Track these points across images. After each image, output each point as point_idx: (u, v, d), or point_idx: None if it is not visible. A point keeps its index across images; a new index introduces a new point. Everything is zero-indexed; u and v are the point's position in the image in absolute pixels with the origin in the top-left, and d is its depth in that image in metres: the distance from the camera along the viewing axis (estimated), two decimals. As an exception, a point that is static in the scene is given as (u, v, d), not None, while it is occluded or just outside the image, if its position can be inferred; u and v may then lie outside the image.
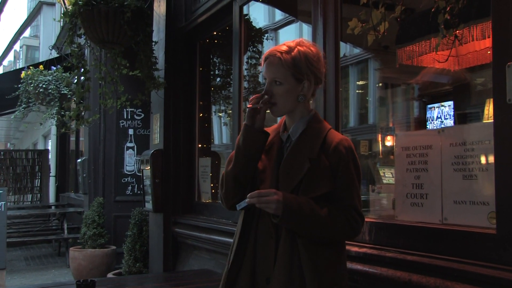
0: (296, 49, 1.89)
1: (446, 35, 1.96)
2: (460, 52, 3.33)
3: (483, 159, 2.10)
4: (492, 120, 1.93)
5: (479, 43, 3.09)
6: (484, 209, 2.06)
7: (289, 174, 1.88)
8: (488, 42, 3.10)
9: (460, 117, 4.73)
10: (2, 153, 12.24)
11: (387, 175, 4.06)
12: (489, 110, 3.49)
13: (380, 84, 6.89)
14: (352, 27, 2.33)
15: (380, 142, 5.35)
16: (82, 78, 4.43)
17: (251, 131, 1.91)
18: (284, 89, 1.89)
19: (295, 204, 1.78)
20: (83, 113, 4.58)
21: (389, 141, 5.00)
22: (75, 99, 4.56)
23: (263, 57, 1.95)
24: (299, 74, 1.89)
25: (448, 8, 1.89)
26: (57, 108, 8.03)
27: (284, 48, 1.90)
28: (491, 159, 2.01)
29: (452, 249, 2.08)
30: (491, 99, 1.93)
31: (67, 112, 6.84)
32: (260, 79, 5.36)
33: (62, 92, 8.04)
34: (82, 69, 4.40)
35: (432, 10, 1.98)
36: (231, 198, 1.98)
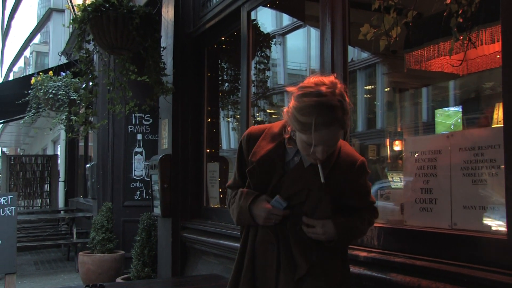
0: (343, 102, 1.73)
1: (460, 38, 1.94)
2: (469, 56, 3.32)
3: (492, 164, 2.09)
4: (502, 125, 1.92)
5: (488, 47, 3.07)
6: (495, 214, 2.04)
7: (297, 196, 1.89)
8: (497, 46, 3.08)
9: (469, 122, 4.70)
10: (12, 158, 12.32)
11: (396, 180, 4.04)
12: (498, 114, 3.47)
13: (388, 89, 6.87)
14: (364, 32, 2.32)
15: (388, 146, 5.33)
16: (91, 83, 4.46)
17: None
18: (336, 145, 1.88)
19: (341, 231, 1.88)
20: (90, 118, 4.61)
21: (397, 146, 4.98)
22: (83, 104, 4.59)
23: (313, 124, 1.69)
24: (347, 123, 1.79)
25: (460, 11, 1.87)
26: (66, 113, 8.08)
27: (340, 112, 1.71)
28: (501, 163, 1.99)
29: (462, 255, 2.06)
30: (501, 104, 1.92)
31: (74, 117, 6.89)
32: (269, 84, 5.37)
33: (72, 97, 8.10)
34: (91, 75, 4.42)
35: (445, 14, 1.97)
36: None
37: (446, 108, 5.19)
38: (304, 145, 1.80)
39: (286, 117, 1.82)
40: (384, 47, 2.35)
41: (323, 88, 1.72)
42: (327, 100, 1.70)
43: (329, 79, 1.78)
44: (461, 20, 1.91)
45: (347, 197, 1.94)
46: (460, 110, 4.85)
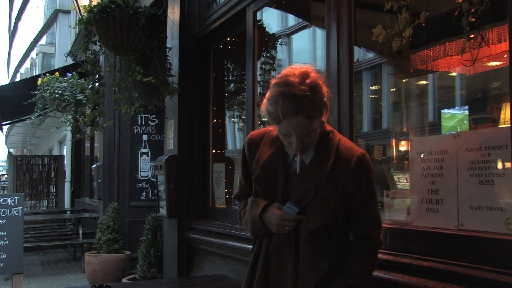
0: (309, 91, 1.71)
1: (472, 37, 1.93)
2: (475, 56, 3.30)
3: (500, 164, 2.08)
4: (509, 125, 1.91)
5: (495, 47, 3.06)
6: (502, 215, 2.03)
7: (300, 201, 1.87)
8: (504, 46, 3.07)
9: (476, 122, 4.68)
10: (19, 159, 12.39)
11: (402, 180, 4.03)
12: (505, 114, 3.45)
13: (394, 89, 6.85)
14: (377, 34, 2.31)
15: (394, 147, 5.31)
16: (97, 84, 4.48)
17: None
18: (313, 134, 1.81)
19: None
20: (97, 119, 4.62)
21: (403, 146, 4.96)
22: (89, 105, 4.60)
23: (279, 113, 1.71)
24: (322, 112, 1.77)
25: (472, 10, 1.86)
26: (72, 113, 8.12)
27: (303, 100, 1.70)
28: (508, 164, 1.98)
29: (469, 256, 2.05)
30: (508, 104, 1.91)
31: (81, 117, 6.91)
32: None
33: (78, 98, 8.13)
34: (97, 76, 4.44)
35: (456, 13, 1.95)
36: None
37: (451, 111, 5.16)
38: (282, 137, 1.83)
39: (262, 110, 1.83)
40: (396, 48, 2.34)
41: (290, 78, 1.73)
42: (291, 89, 1.70)
43: (301, 69, 1.77)
44: (473, 19, 1.90)
45: (354, 201, 1.88)
46: (461, 112, 4.83)
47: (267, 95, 1.78)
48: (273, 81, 1.79)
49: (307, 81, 1.73)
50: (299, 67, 1.79)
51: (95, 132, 5.10)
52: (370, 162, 1.90)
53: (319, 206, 1.83)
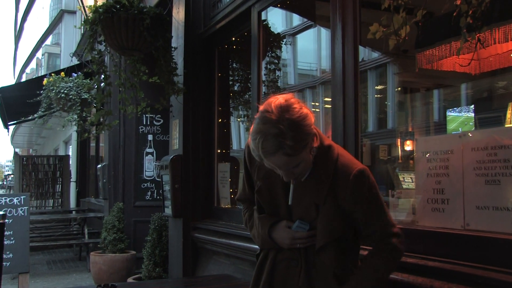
0: (287, 130, 1.64)
1: (469, 39, 1.92)
2: (481, 55, 3.29)
3: (506, 164, 2.07)
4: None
5: (501, 46, 3.05)
6: (508, 215, 2.02)
7: (303, 220, 1.86)
8: (510, 45, 3.06)
9: (481, 121, 4.67)
10: (24, 159, 12.44)
11: (407, 180, 4.02)
12: (511, 114, 3.44)
13: (399, 89, 6.83)
14: (373, 31, 2.31)
15: (399, 147, 5.30)
16: (103, 84, 4.49)
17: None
18: (302, 164, 1.76)
19: None
20: (104, 119, 4.63)
21: (409, 146, 4.95)
22: (95, 105, 4.62)
23: (260, 152, 1.68)
24: (305, 145, 1.71)
25: (470, 12, 1.86)
26: (78, 112, 8.15)
27: (278, 140, 1.64)
28: (514, 163, 1.97)
29: (475, 256, 2.04)
30: (513, 103, 1.90)
31: (88, 117, 6.92)
32: (280, 85, 5.37)
33: (83, 97, 8.16)
34: (103, 76, 4.45)
35: (454, 14, 1.95)
36: None
37: (455, 114, 5.15)
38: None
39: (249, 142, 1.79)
40: (393, 47, 2.34)
41: (267, 115, 1.67)
42: (268, 128, 1.65)
43: (279, 103, 1.69)
44: (471, 21, 1.90)
45: (358, 221, 1.84)
46: (462, 115, 4.81)
47: (251, 128, 1.74)
48: (258, 113, 1.74)
49: (286, 116, 1.65)
50: (278, 99, 1.71)
51: (101, 132, 5.10)
52: (369, 177, 1.83)
53: (323, 223, 1.81)
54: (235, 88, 5.50)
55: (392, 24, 2.16)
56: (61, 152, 18.23)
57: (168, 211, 4.94)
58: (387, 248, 1.85)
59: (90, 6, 4.31)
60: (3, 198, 5.61)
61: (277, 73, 5.06)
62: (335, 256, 1.83)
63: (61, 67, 12.93)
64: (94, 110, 7.58)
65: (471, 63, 3.33)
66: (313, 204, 1.82)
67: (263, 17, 4.20)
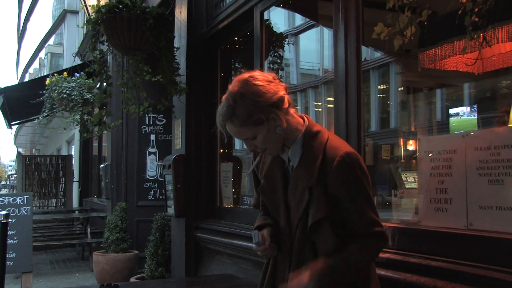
0: (236, 101, 1.76)
1: (474, 37, 1.91)
2: (484, 55, 3.28)
3: (509, 164, 2.06)
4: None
5: (504, 45, 3.04)
6: None
7: (297, 206, 1.85)
8: (514, 44, 3.04)
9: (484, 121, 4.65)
10: (27, 158, 12.46)
11: (410, 180, 4.02)
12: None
13: (402, 88, 6.82)
14: (378, 32, 2.30)
15: (402, 146, 5.30)
16: (105, 84, 4.49)
17: None
18: (260, 139, 1.80)
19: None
20: (105, 119, 4.63)
21: (411, 146, 4.95)
22: (96, 105, 4.63)
23: (217, 120, 1.85)
24: (258, 120, 1.76)
25: (476, 10, 1.85)
26: (80, 112, 8.16)
27: (227, 110, 1.77)
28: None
29: (478, 255, 2.04)
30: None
31: (88, 117, 6.91)
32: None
33: (85, 97, 8.17)
34: (104, 76, 4.45)
35: (459, 12, 1.94)
36: None
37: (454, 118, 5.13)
38: None
39: None
40: (398, 47, 2.33)
41: (229, 87, 1.82)
42: (224, 98, 1.81)
43: (239, 76, 1.82)
44: (476, 19, 1.89)
45: (322, 207, 1.79)
46: (462, 117, 4.79)
47: None
48: None
49: (241, 90, 1.77)
50: (244, 74, 1.82)
51: (104, 132, 5.11)
52: (356, 161, 1.78)
53: (315, 204, 1.79)
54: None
55: (397, 23, 2.15)
56: (64, 152, 18.28)
57: (171, 210, 4.95)
58: (369, 242, 1.80)
59: (93, 5, 4.32)
60: (6, 197, 5.63)
61: (280, 72, 5.05)
62: (327, 239, 1.79)
63: (64, 67, 12.95)
64: (97, 109, 7.58)
65: (469, 62, 3.32)
66: (306, 188, 1.81)
67: (265, 17, 4.20)
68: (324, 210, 1.78)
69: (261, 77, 1.80)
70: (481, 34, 1.91)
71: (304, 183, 1.82)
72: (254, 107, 1.75)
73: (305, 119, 1.91)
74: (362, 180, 1.78)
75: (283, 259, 1.93)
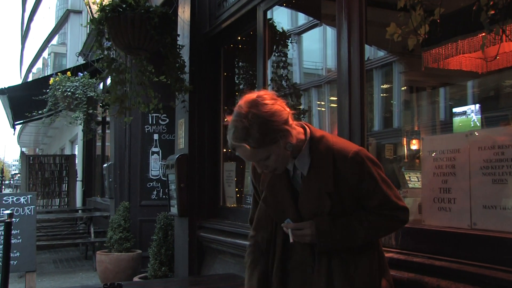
0: (251, 122, 1.75)
1: (493, 31, 1.89)
2: (488, 54, 3.27)
3: (513, 163, 2.06)
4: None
5: (509, 45, 3.03)
6: (515, 214, 2.01)
7: (316, 212, 1.87)
8: (517, 44, 3.03)
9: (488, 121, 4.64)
10: (31, 158, 12.48)
11: (413, 179, 4.01)
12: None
13: (405, 88, 6.81)
14: (391, 32, 2.28)
15: (405, 146, 5.28)
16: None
17: None
18: (273, 158, 1.82)
19: (329, 232, 1.83)
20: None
21: (415, 145, 4.93)
22: (104, 103, 4.57)
23: (230, 144, 1.82)
24: (272, 139, 1.78)
25: (491, 3, 1.83)
26: (84, 110, 8.18)
27: (242, 132, 1.76)
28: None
29: (482, 255, 2.03)
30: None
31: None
32: (286, 82, 5.36)
33: (89, 95, 8.19)
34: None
35: (474, 8, 1.92)
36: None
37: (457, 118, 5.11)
38: None
39: None
40: (413, 46, 2.31)
41: (237, 109, 1.82)
42: (236, 121, 1.79)
43: (250, 98, 1.81)
44: (492, 12, 1.86)
45: (363, 192, 1.87)
46: (462, 118, 4.77)
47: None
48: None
49: (254, 111, 1.76)
50: (251, 95, 1.83)
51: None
52: (366, 156, 1.87)
53: (340, 208, 1.86)
54: (241, 87, 5.50)
55: (410, 22, 2.13)
56: (67, 152, 18.30)
57: (174, 210, 4.95)
58: (388, 217, 1.89)
59: (97, 3, 4.32)
60: (10, 197, 5.65)
61: (283, 71, 5.05)
62: None
63: (67, 67, 12.97)
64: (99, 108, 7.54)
65: (478, 62, 3.31)
66: (324, 194, 1.84)
67: (268, 16, 4.19)
68: (350, 212, 1.87)
69: (267, 96, 1.83)
70: (500, 28, 1.87)
71: (322, 188, 1.85)
72: (269, 126, 1.76)
73: (306, 127, 1.94)
74: (377, 171, 1.87)
75: (295, 267, 1.94)
